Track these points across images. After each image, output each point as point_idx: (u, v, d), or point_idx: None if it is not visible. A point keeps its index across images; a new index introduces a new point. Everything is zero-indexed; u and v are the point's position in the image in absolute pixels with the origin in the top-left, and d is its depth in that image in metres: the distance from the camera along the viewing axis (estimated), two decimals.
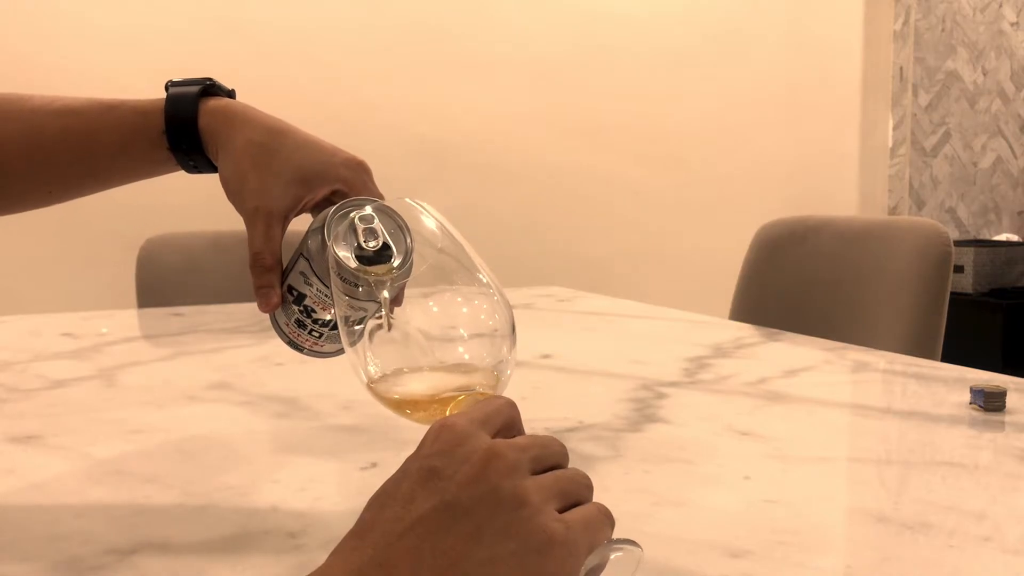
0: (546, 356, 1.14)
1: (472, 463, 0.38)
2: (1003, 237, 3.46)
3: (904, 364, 1.13)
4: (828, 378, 1.05)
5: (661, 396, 0.93)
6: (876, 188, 3.27)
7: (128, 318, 1.59)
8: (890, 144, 3.26)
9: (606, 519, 0.40)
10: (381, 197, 0.63)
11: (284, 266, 0.62)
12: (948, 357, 1.23)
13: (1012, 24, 3.52)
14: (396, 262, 0.54)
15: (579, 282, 2.15)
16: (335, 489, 0.67)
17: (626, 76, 2.88)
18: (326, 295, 0.59)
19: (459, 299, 0.53)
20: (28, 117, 0.67)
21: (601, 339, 1.37)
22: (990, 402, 0.85)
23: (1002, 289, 3.09)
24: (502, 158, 2.73)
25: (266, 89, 2.42)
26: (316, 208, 0.66)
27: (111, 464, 0.72)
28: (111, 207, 2.33)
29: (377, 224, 0.54)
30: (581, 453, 0.73)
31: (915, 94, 3.34)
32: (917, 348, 1.34)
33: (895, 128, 3.26)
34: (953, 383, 0.99)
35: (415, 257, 0.54)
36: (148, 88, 2.33)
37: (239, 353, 1.21)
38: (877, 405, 0.96)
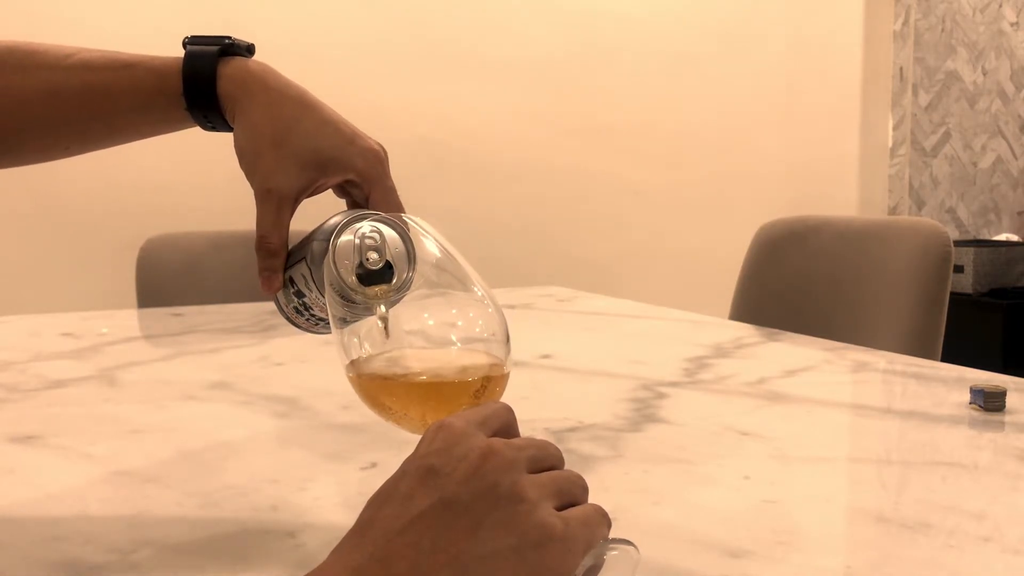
0: (546, 356, 1.14)
1: (470, 460, 0.39)
2: (1003, 237, 3.45)
3: (904, 364, 1.13)
4: (828, 378, 1.05)
5: (661, 396, 0.93)
6: (876, 188, 3.27)
7: (128, 318, 1.59)
8: (890, 144, 3.26)
9: (603, 519, 0.41)
10: (394, 190, 0.63)
11: (289, 251, 0.62)
12: (948, 357, 1.23)
13: (1012, 24, 3.52)
14: (395, 283, 0.54)
15: (579, 282, 2.14)
16: (335, 489, 0.67)
17: (626, 76, 2.87)
18: (324, 303, 0.59)
19: (454, 311, 0.54)
20: (47, 72, 0.66)
21: (601, 339, 1.37)
22: (990, 402, 0.85)
23: (1002, 289, 3.09)
24: (502, 158, 2.73)
25: None
26: (336, 188, 0.65)
27: (111, 464, 0.72)
28: (111, 207, 2.33)
29: (381, 243, 0.54)
30: (581, 453, 0.73)
31: (915, 94, 3.34)
32: (917, 348, 1.34)
33: (895, 128, 3.26)
34: (953, 383, 0.99)
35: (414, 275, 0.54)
36: None
37: (239, 353, 1.21)
38: (877, 405, 0.96)
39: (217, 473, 0.70)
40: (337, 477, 0.70)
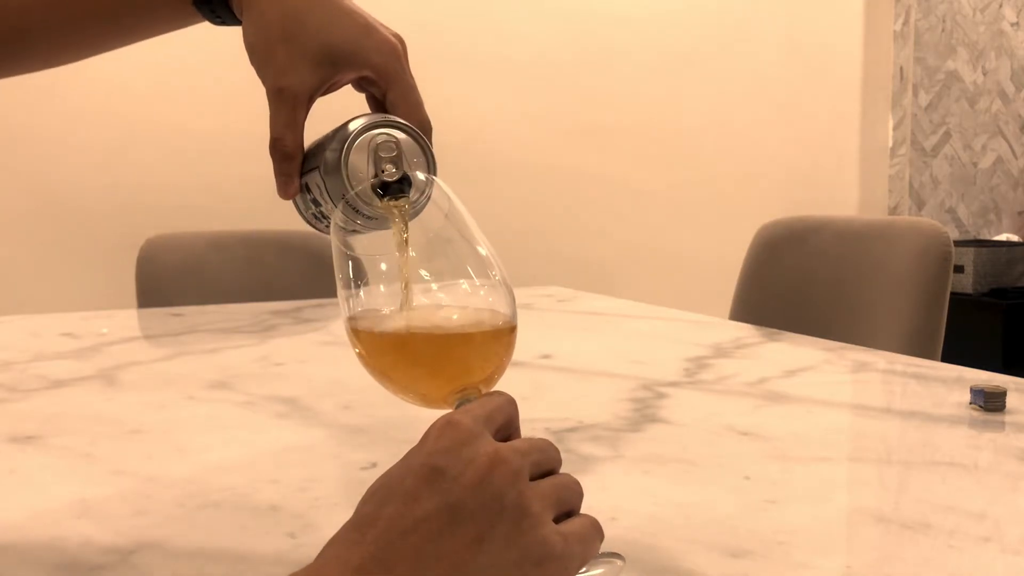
0: (546, 356, 1.14)
1: (477, 466, 0.39)
2: (1003, 237, 3.45)
3: (904, 364, 1.13)
4: (828, 378, 1.05)
5: (661, 396, 0.93)
6: (876, 188, 3.26)
7: (128, 318, 1.59)
8: (890, 144, 3.26)
9: (597, 533, 0.42)
10: (414, 87, 0.60)
11: (305, 153, 0.58)
12: (948, 357, 1.23)
13: (1012, 24, 3.52)
14: (413, 195, 0.51)
15: (579, 282, 2.14)
16: (335, 489, 0.67)
17: (626, 76, 2.87)
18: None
19: (461, 279, 0.52)
20: None
21: (601, 339, 1.37)
22: (990, 402, 0.85)
23: (1002, 289, 3.08)
24: (502, 158, 2.73)
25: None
26: (354, 83, 0.62)
27: (111, 464, 0.73)
28: (111, 207, 2.33)
29: (398, 154, 0.52)
30: (581, 453, 0.73)
31: (915, 94, 3.34)
32: (917, 348, 1.34)
33: (895, 128, 3.26)
34: (953, 383, 0.99)
35: (433, 187, 0.52)
36: (149, 87, 2.32)
37: (239, 353, 1.21)
38: (877, 405, 0.96)
39: (217, 473, 0.70)
40: (337, 477, 0.70)
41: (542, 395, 0.96)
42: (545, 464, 0.42)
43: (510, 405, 0.44)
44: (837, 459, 0.75)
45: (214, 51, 2.40)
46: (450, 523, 0.37)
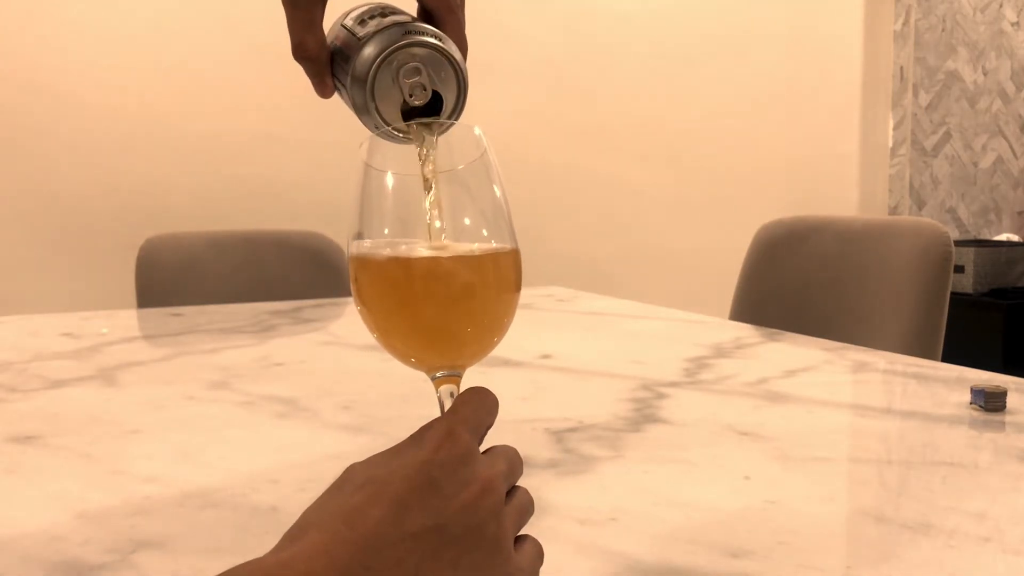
0: (546, 356, 1.14)
1: (471, 491, 0.40)
2: (1003, 237, 3.45)
3: (904, 364, 1.13)
4: (828, 378, 1.05)
5: (661, 396, 0.93)
6: (876, 188, 3.27)
7: (128, 318, 1.59)
8: (890, 144, 3.26)
9: (541, 560, 0.44)
10: None
11: (332, 53, 0.55)
12: (948, 357, 1.23)
13: (1012, 24, 3.52)
14: (442, 117, 0.51)
15: (579, 282, 2.14)
16: None
17: (626, 76, 2.87)
18: (371, 125, 0.54)
19: (474, 223, 0.50)
20: None
21: (601, 339, 1.37)
22: (990, 402, 0.85)
23: (1002, 289, 3.08)
24: (502, 158, 2.72)
25: (265, 89, 2.42)
26: None
27: (111, 464, 0.73)
28: (111, 207, 2.33)
29: (425, 74, 0.50)
30: (581, 453, 0.73)
31: (915, 94, 3.34)
32: (917, 348, 1.34)
33: (895, 128, 3.26)
34: (953, 383, 0.99)
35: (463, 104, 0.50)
36: (149, 87, 2.32)
37: (239, 353, 1.21)
38: (877, 405, 0.96)
39: (217, 473, 0.70)
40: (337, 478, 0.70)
41: (542, 395, 0.96)
42: (514, 479, 0.44)
43: (496, 409, 0.46)
44: (837, 459, 0.75)
45: (214, 51, 2.40)
46: (436, 544, 0.38)
